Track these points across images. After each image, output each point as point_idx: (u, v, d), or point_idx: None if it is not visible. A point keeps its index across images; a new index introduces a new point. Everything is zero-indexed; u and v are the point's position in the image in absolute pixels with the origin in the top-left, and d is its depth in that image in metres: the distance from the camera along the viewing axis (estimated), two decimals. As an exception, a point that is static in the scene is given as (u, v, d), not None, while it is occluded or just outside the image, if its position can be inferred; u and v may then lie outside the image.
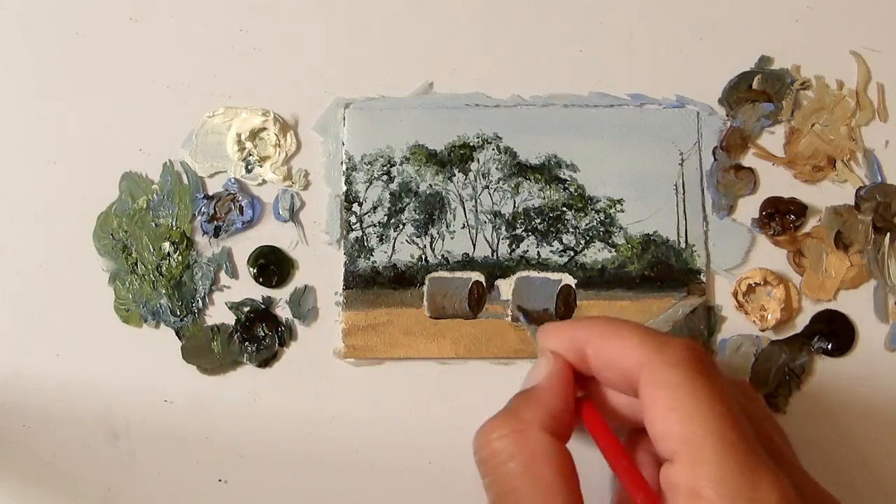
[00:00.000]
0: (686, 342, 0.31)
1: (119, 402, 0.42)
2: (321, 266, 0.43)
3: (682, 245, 0.43)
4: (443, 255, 0.43)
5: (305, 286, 0.43)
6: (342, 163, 0.43)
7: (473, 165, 0.43)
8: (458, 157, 0.43)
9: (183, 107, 0.44)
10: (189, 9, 0.45)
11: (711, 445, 0.28)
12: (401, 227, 0.43)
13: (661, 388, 0.30)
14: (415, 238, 0.43)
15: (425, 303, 0.42)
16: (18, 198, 0.43)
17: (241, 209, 0.43)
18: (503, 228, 0.43)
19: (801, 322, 0.43)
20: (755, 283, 0.42)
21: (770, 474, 0.28)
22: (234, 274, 0.43)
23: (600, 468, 0.39)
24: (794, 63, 0.44)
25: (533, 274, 0.43)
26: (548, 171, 0.43)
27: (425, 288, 0.42)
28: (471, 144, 0.43)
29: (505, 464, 0.31)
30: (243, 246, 0.43)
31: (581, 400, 0.34)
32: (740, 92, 0.44)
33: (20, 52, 0.44)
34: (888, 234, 0.43)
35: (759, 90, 0.44)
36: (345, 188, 0.43)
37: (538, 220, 0.43)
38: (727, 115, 0.44)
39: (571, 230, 0.43)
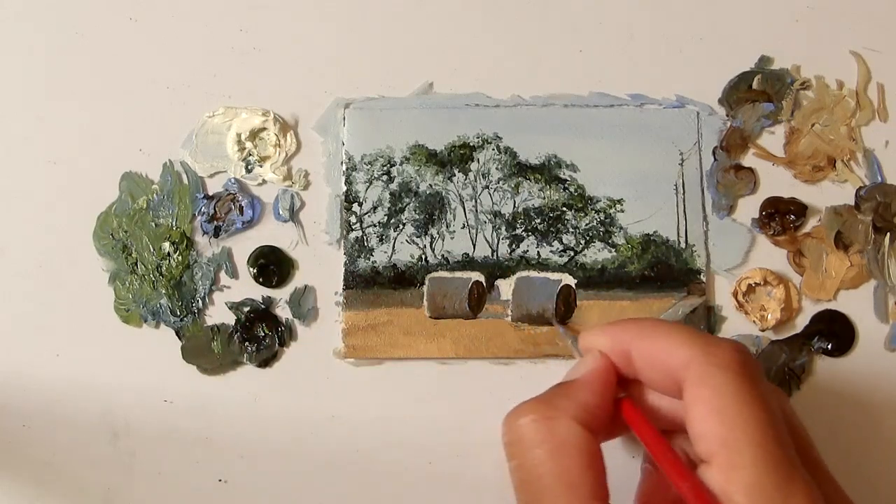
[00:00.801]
0: (734, 344, 0.31)
1: (119, 402, 0.42)
2: (321, 266, 0.43)
3: (682, 245, 0.43)
4: (443, 255, 0.43)
5: (305, 286, 0.43)
6: (342, 163, 0.43)
7: (473, 165, 0.43)
8: (458, 157, 0.43)
9: (183, 107, 0.44)
10: (189, 9, 0.45)
11: (749, 451, 0.28)
12: (401, 227, 0.43)
13: (705, 389, 0.30)
14: (415, 238, 0.43)
15: (425, 303, 0.42)
16: (18, 198, 0.43)
17: (241, 209, 0.43)
18: (503, 228, 0.43)
19: (801, 322, 0.43)
20: (755, 283, 0.42)
21: (804, 486, 0.28)
22: (234, 274, 0.43)
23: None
24: (794, 63, 0.44)
25: (533, 274, 0.43)
26: (548, 171, 0.43)
27: (425, 288, 0.42)
28: (471, 144, 0.43)
29: (532, 450, 0.31)
30: (243, 246, 0.43)
31: (621, 399, 0.34)
32: (740, 92, 0.44)
33: (20, 52, 0.44)
34: (888, 234, 0.43)
35: (759, 90, 0.44)
36: (345, 188, 0.43)
37: (538, 220, 0.43)
38: (727, 115, 0.44)
39: (571, 230, 0.43)
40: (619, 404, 0.34)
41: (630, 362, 0.33)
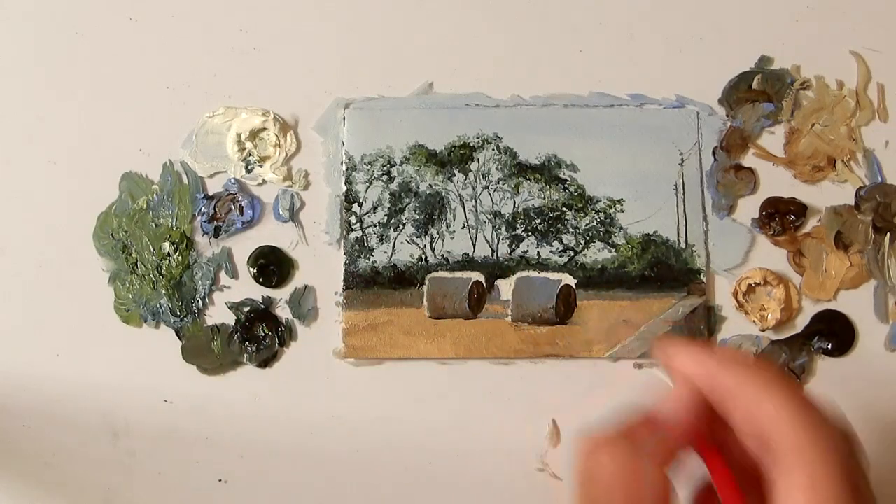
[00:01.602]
0: (843, 431, 0.30)
1: (119, 402, 0.42)
2: (321, 266, 0.43)
3: (682, 245, 0.43)
4: (443, 256, 0.43)
5: (305, 286, 0.43)
6: (342, 163, 0.43)
7: (473, 165, 0.43)
8: (458, 157, 0.43)
9: (183, 107, 0.44)
10: (189, 9, 0.45)
11: None
12: (401, 227, 0.43)
13: (804, 476, 0.28)
14: (415, 238, 0.43)
15: (425, 303, 0.42)
16: (18, 198, 0.43)
17: (241, 209, 0.43)
18: (503, 228, 0.43)
19: (801, 322, 0.43)
20: (755, 283, 0.42)
21: None
22: (234, 274, 0.43)
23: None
24: (794, 63, 0.44)
25: (533, 274, 0.43)
26: (548, 171, 0.43)
27: (425, 288, 0.42)
28: (471, 144, 0.43)
29: (608, 486, 0.30)
30: (243, 246, 0.43)
31: (708, 444, 0.32)
32: (740, 92, 0.44)
33: (20, 53, 0.44)
34: (888, 234, 0.43)
35: (759, 90, 0.44)
36: (345, 188, 0.43)
37: (538, 220, 0.43)
38: (727, 115, 0.44)
39: (571, 230, 0.43)
40: (702, 443, 0.32)
41: (722, 401, 0.31)
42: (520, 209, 0.43)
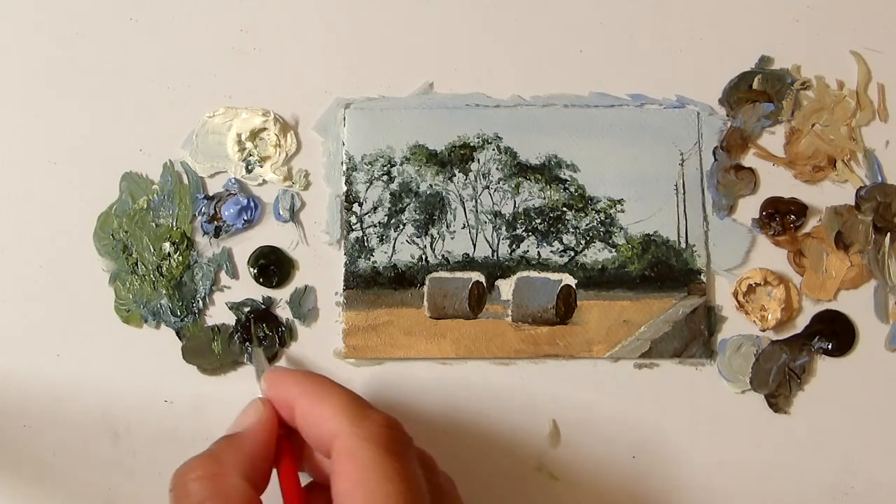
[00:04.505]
0: (386, 419, 0.32)
1: (119, 402, 0.42)
2: (321, 266, 0.43)
3: (683, 245, 0.43)
4: (443, 256, 0.43)
5: (306, 286, 0.43)
6: (342, 163, 0.43)
7: (474, 165, 0.43)
8: (458, 158, 0.43)
9: (183, 107, 0.44)
10: (189, 9, 0.45)
11: None
12: (401, 227, 0.43)
13: (350, 461, 0.31)
14: (415, 238, 0.43)
15: (425, 303, 0.42)
16: (18, 198, 0.43)
17: (241, 209, 0.43)
18: (503, 228, 0.43)
19: (802, 322, 0.43)
20: (755, 283, 0.42)
21: None
22: (234, 274, 0.43)
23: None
24: (794, 63, 0.44)
25: (533, 274, 0.43)
26: (548, 171, 0.43)
27: (425, 288, 0.42)
28: (471, 144, 0.44)
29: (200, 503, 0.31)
30: (243, 246, 0.43)
31: (282, 451, 0.35)
32: (741, 92, 0.44)
33: (20, 52, 0.44)
34: (888, 234, 0.43)
35: (760, 90, 0.44)
36: (345, 188, 0.43)
37: (538, 221, 0.43)
38: (727, 115, 0.44)
39: (572, 230, 0.43)
40: (279, 452, 0.35)
41: (294, 417, 0.34)
42: (520, 209, 0.43)
